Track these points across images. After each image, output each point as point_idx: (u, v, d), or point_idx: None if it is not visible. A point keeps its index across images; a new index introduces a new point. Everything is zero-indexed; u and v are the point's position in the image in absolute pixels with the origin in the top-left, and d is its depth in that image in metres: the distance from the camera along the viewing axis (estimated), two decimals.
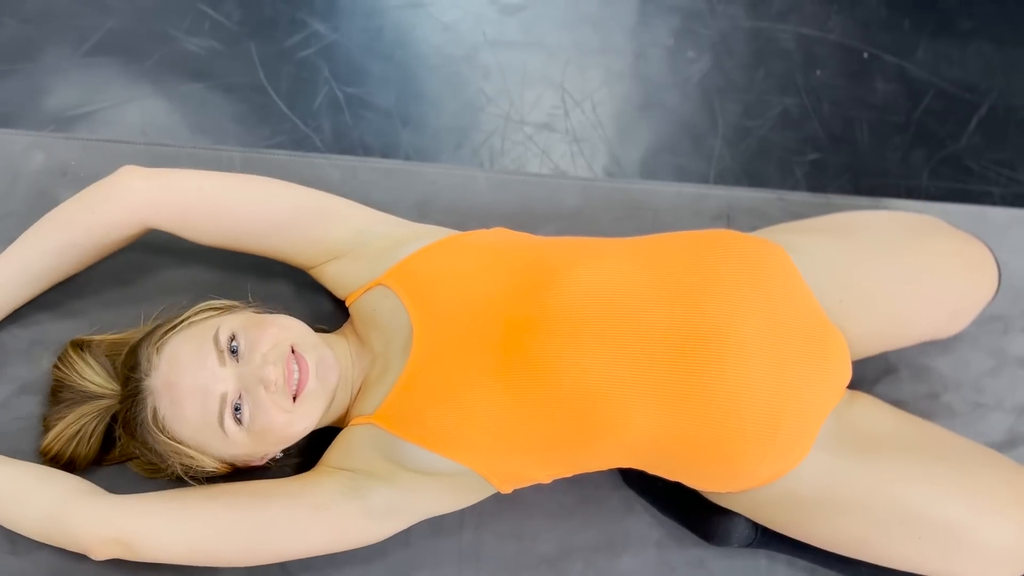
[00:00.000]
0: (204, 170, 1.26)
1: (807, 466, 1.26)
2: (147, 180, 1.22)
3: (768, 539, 1.41)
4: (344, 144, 2.12)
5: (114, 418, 1.22)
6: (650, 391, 1.19)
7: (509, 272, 1.24)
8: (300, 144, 2.10)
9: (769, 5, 2.41)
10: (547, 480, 1.28)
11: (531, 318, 1.20)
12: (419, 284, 1.24)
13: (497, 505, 1.33)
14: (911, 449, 1.29)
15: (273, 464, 1.25)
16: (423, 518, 1.26)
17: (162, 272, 1.39)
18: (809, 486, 1.27)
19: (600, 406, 1.19)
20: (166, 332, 1.16)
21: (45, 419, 1.26)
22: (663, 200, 1.58)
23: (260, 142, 2.09)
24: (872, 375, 1.57)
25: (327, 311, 1.42)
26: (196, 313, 1.19)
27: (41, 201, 1.36)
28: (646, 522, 1.44)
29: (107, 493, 1.19)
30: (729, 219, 1.60)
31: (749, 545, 1.41)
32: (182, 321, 1.18)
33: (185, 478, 1.19)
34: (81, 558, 1.15)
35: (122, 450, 1.24)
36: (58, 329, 1.32)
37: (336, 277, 1.30)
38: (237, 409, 1.12)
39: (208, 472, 1.19)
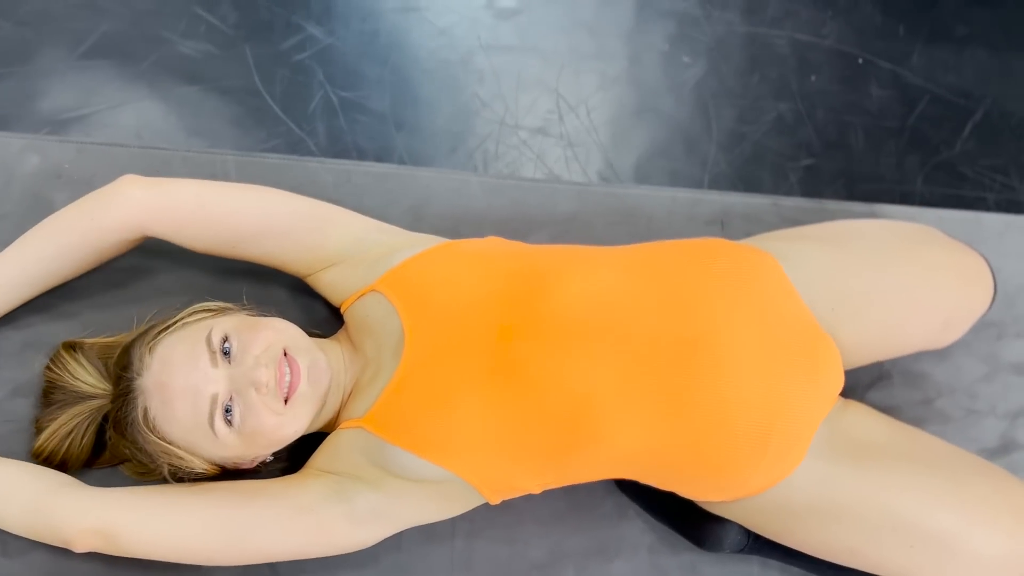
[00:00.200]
0: (202, 179, 1.27)
1: (800, 474, 1.26)
2: (146, 188, 1.23)
3: (760, 545, 1.40)
4: (338, 148, 2.12)
5: (106, 418, 1.22)
6: (641, 400, 1.19)
7: (501, 279, 1.24)
8: (294, 148, 2.10)
9: (764, 11, 2.41)
10: (538, 490, 1.28)
11: (522, 326, 1.20)
12: (411, 290, 1.24)
13: (489, 510, 1.32)
14: (904, 458, 1.29)
15: (262, 468, 1.25)
16: (408, 526, 1.26)
17: (156, 275, 1.38)
18: (802, 494, 1.27)
19: (591, 414, 1.19)
20: (159, 332, 1.16)
21: (37, 421, 1.26)
22: (657, 205, 1.58)
23: (255, 145, 2.09)
24: (865, 381, 1.57)
25: (322, 317, 1.42)
26: (190, 314, 1.19)
27: (35, 204, 1.36)
28: (638, 528, 1.44)
29: (91, 487, 1.19)
30: (723, 224, 1.60)
31: (741, 551, 1.41)
32: (176, 322, 1.18)
33: (172, 480, 1.19)
34: (73, 559, 1.15)
35: (112, 450, 1.24)
36: (50, 331, 1.32)
37: (331, 284, 1.31)
38: (228, 411, 1.12)
39: (197, 474, 1.18)
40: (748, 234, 1.55)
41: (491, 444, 1.19)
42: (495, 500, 1.25)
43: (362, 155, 2.13)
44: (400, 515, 1.23)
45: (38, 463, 1.25)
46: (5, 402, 1.30)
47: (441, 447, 1.18)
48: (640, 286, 1.24)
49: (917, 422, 1.56)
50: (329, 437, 1.26)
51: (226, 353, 1.13)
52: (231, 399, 1.12)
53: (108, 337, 1.30)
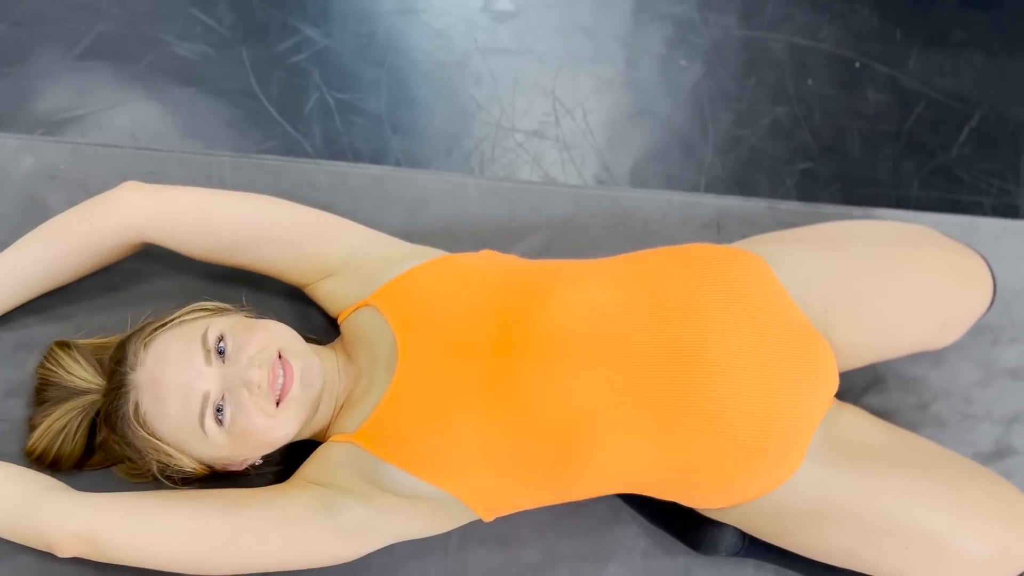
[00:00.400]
0: (197, 181, 1.27)
1: (798, 477, 1.26)
2: (147, 195, 1.23)
3: (756, 548, 1.40)
4: (334, 150, 2.12)
5: (99, 415, 1.21)
6: (637, 414, 1.19)
7: (496, 294, 1.24)
8: (290, 149, 2.10)
9: (761, 14, 2.41)
10: (532, 507, 1.28)
11: (516, 341, 1.20)
12: (405, 305, 1.24)
13: None
14: (899, 461, 1.29)
15: (252, 471, 1.25)
16: (396, 540, 1.25)
17: (152, 279, 1.38)
18: (800, 497, 1.27)
19: (586, 429, 1.18)
20: (155, 329, 1.16)
21: (31, 419, 1.26)
22: (653, 208, 1.58)
23: (250, 147, 2.09)
24: (860, 385, 1.57)
25: (319, 325, 1.41)
26: (187, 312, 1.20)
27: (30, 205, 1.36)
28: (633, 531, 1.44)
29: (78, 491, 1.18)
30: (719, 228, 1.60)
31: (737, 554, 1.41)
32: (173, 319, 1.18)
33: (161, 478, 1.18)
34: (61, 562, 1.15)
35: (105, 449, 1.23)
36: (44, 332, 1.31)
37: (329, 295, 1.31)
38: (219, 410, 1.11)
39: (185, 472, 1.18)
40: (743, 237, 1.54)
41: (485, 462, 1.18)
42: (488, 517, 1.24)
43: (358, 157, 2.12)
44: (389, 530, 1.23)
45: (31, 461, 1.25)
46: None
47: (434, 465, 1.17)
48: (631, 299, 1.23)
49: (912, 426, 1.56)
50: (320, 448, 1.25)
51: (221, 352, 1.13)
52: (223, 398, 1.12)
53: (101, 338, 1.30)
